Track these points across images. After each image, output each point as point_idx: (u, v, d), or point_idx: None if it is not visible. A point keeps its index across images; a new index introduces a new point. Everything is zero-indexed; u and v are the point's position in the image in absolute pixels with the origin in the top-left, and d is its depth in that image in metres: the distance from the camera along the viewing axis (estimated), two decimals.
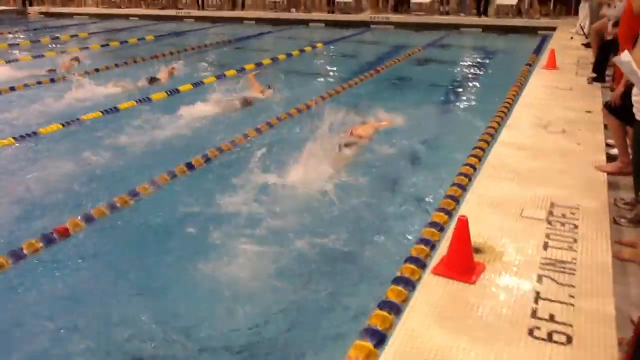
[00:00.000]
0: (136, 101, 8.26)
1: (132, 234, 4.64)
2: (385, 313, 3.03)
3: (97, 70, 10.69)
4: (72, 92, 8.59)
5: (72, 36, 15.96)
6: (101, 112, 7.63)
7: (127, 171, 5.75)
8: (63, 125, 7.08)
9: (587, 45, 10.49)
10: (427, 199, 4.93)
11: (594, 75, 7.75)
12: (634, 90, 3.80)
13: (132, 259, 4.19)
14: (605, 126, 5.36)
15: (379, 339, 2.85)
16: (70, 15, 21.56)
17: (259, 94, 7.87)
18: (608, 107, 4.80)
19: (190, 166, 5.65)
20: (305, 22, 18.06)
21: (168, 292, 3.77)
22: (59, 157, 6.11)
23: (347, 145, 5.84)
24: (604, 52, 7.57)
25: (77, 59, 11.34)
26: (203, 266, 3.92)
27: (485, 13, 16.67)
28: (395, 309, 3.07)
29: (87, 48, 13.47)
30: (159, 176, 5.29)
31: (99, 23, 19.60)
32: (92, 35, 16.46)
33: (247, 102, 7.92)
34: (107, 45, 14.18)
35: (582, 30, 11.33)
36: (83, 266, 4.13)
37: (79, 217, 4.51)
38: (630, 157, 4.39)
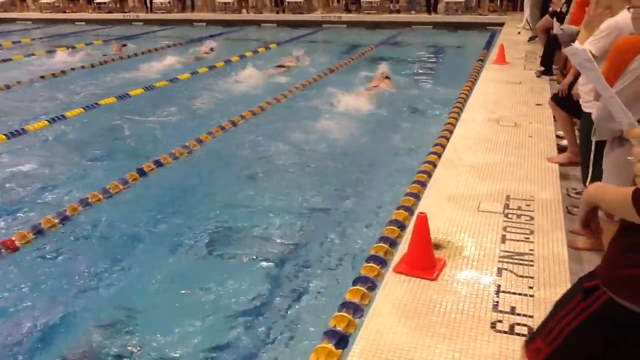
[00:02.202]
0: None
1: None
2: (343, 313, 3.02)
3: (42, 77, 10.35)
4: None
5: (14, 42, 15.35)
6: (48, 121, 7.40)
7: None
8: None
9: (531, 39, 10.78)
10: (386, 198, 4.94)
11: (542, 68, 7.96)
12: (580, 81, 3.89)
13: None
14: (554, 118, 5.49)
15: (339, 338, 2.83)
16: (12, 20, 20.75)
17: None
18: (555, 99, 4.92)
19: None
20: (257, 23, 17.93)
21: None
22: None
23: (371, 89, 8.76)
24: (551, 46, 7.77)
25: (125, 45, 13.76)
26: None
27: (435, 10, 16.92)
28: (353, 308, 3.06)
29: (33, 55, 13.03)
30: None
31: (44, 28, 18.91)
32: (36, 41, 15.87)
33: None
34: (54, 51, 13.69)
35: (529, 25, 11.61)
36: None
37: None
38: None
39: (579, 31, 4.18)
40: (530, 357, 1.73)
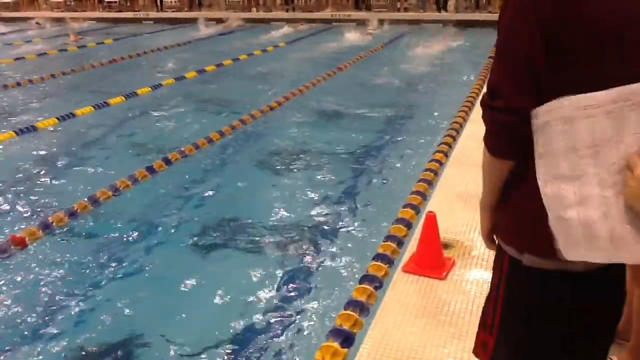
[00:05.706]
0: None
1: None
2: (349, 312, 3.00)
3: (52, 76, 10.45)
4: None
5: (26, 42, 15.46)
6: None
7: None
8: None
9: None
10: (393, 197, 4.92)
11: None
12: None
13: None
14: None
15: (344, 337, 2.82)
16: (23, 19, 20.92)
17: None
18: None
19: None
20: (266, 21, 17.95)
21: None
22: None
23: None
24: None
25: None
26: None
27: (444, 8, 16.87)
28: (360, 307, 3.04)
29: (45, 54, 13.16)
30: None
31: (55, 27, 19.04)
32: (46, 40, 15.96)
33: None
34: (65, 50, 13.80)
35: None
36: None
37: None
38: None
39: None
40: (480, 356, 1.50)
